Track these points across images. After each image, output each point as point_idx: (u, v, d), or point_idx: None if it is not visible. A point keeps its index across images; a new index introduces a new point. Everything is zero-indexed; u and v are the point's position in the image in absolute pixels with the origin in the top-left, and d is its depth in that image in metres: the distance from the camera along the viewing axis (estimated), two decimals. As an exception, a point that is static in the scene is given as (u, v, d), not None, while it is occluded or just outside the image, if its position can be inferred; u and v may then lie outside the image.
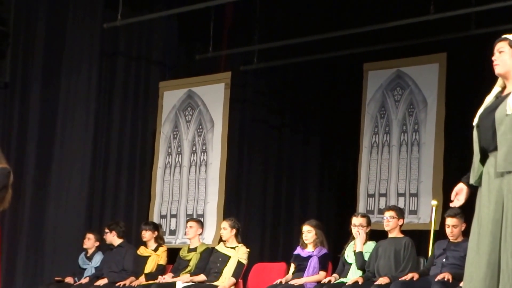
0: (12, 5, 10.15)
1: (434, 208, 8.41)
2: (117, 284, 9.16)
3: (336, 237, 10.10)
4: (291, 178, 11.61)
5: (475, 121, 4.58)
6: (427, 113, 9.66)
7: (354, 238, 8.17)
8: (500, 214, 4.38)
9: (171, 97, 10.78)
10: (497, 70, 4.55)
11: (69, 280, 9.61)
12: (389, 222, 7.96)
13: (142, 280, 9.20)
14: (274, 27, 10.94)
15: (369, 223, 8.22)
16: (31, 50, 10.22)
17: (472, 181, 4.57)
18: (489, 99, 4.61)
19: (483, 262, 4.39)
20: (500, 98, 4.55)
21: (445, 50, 9.60)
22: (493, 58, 4.56)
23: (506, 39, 4.55)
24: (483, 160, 4.54)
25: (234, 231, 8.84)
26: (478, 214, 4.52)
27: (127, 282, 9.17)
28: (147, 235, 9.42)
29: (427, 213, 9.25)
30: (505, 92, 4.55)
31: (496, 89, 4.65)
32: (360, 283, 7.74)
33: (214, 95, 10.42)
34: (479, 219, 4.49)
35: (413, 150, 9.72)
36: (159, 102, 10.82)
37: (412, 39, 9.98)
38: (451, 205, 4.73)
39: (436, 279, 7.20)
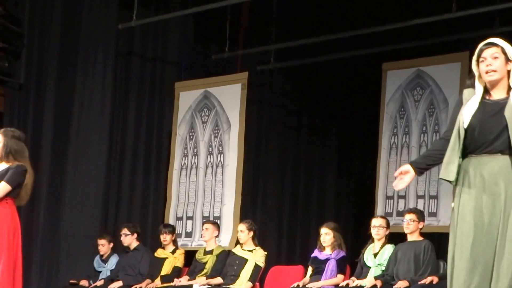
0: (27, 6, 10.12)
1: (454, 210, 8.29)
2: (132, 287, 9.09)
3: (354, 240, 10.01)
4: (309, 180, 11.54)
5: (466, 123, 4.47)
6: (448, 114, 9.52)
7: (373, 241, 8.12)
8: (497, 219, 4.36)
9: (187, 98, 10.72)
10: (493, 77, 4.48)
11: (84, 283, 9.57)
12: (410, 225, 7.91)
13: (158, 282, 9.16)
14: (291, 26, 10.88)
15: (388, 225, 8.15)
16: (46, 51, 10.19)
17: (451, 178, 4.50)
18: (473, 103, 4.52)
19: (479, 267, 4.37)
20: (492, 103, 4.49)
21: (467, 49, 9.43)
22: (487, 64, 4.48)
23: (497, 45, 4.52)
24: (462, 158, 4.50)
25: (251, 233, 8.77)
26: (462, 216, 4.48)
27: (143, 285, 9.13)
28: (168, 238, 9.38)
29: (447, 215, 9.13)
30: (494, 97, 4.50)
31: (476, 95, 4.55)
32: (378, 286, 7.68)
33: (230, 95, 10.35)
34: (469, 222, 4.44)
35: (433, 151, 9.58)
36: (175, 102, 10.77)
37: (433, 37, 9.86)
38: (393, 184, 4.71)
39: (456, 283, 7.07)
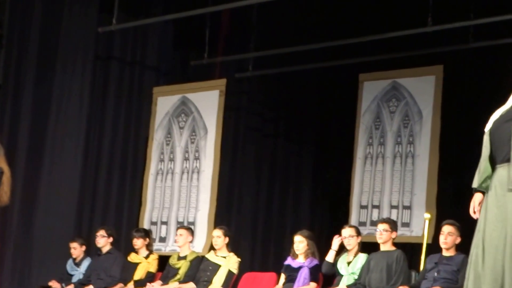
0: (7, 7, 10.08)
1: (427, 221, 8.39)
2: (105, 292, 9.11)
3: (328, 248, 10.02)
4: (284, 188, 11.57)
5: (488, 126, 4.49)
6: (422, 126, 9.63)
7: (347, 250, 8.15)
8: (505, 231, 4.33)
9: (164, 103, 10.74)
10: None
11: (56, 285, 9.53)
12: (382, 235, 7.96)
13: (131, 287, 9.13)
14: (270, 35, 10.92)
15: (359, 233, 8.19)
16: (25, 52, 10.15)
17: (476, 184, 4.52)
18: (506, 107, 4.52)
19: (488, 278, 4.34)
20: None
21: (442, 62, 9.57)
22: None
23: None
24: (491, 167, 4.47)
25: (227, 239, 8.79)
26: (482, 228, 4.46)
27: (115, 289, 9.13)
28: (139, 242, 9.36)
29: (419, 226, 9.22)
30: None
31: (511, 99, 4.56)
32: (350, 295, 7.73)
33: (208, 102, 10.38)
34: (484, 234, 4.42)
35: (407, 162, 9.68)
36: (152, 107, 10.78)
37: (408, 50, 9.97)
38: (475, 217, 4.61)
39: (426, 293, 7.16)
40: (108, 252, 9.47)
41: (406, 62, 10.01)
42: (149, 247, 9.46)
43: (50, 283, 9.54)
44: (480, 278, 4.37)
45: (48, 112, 10.19)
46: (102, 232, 9.49)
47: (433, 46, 9.77)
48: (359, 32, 10.07)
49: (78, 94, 10.24)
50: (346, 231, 8.16)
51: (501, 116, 4.46)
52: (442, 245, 7.51)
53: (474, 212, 4.55)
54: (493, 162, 4.44)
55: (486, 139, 4.48)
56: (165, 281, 9.02)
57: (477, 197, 4.54)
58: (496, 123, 4.46)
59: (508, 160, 4.36)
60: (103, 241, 9.47)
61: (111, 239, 9.49)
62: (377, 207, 9.76)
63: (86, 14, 10.28)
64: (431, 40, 9.70)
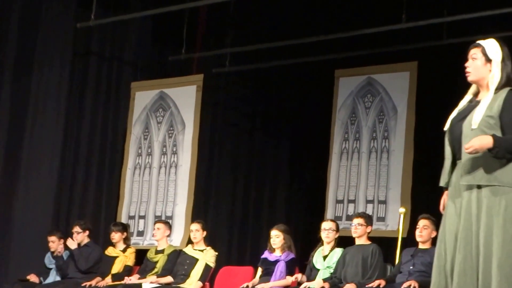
0: (-16, 3, 10.07)
1: (402, 216, 8.47)
2: (83, 284, 9.11)
3: (304, 242, 10.13)
4: (261, 183, 11.62)
5: (447, 125, 4.58)
6: (397, 121, 9.71)
7: (322, 244, 8.21)
8: (469, 226, 4.40)
9: (142, 98, 10.76)
10: (469, 78, 4.53)
11: (34, 279, 9.55)
12: (357, 230, 8.01)
13: (108, 280, 9.15)
14: (247, 31, 10.96)
15: (338, 228, 8.27)
16: (3, 47, 10.11)
17: (442, 183, 4.60)
18: (462, 104, 4.61)
19: (448, 271, 4.45)
20: (471, 104, 4.54)
21: (416, 58, 9.67)
22: (465, 65, 4.53)
23: (479, 45, 4.53)
24: (453, 164, 4.56)
25: (204, 233, 8.84)
26: (443, 223, 4.57)
27: (93, 282, 9.12)
28: (116, 236, 9.39)
29: (395, 220, 9.30)
30: (478, 97, 4.55)
31: (468, 95, 4.64)
32: (326, 289, 7.79)
33: (186, 97, 10.41)
34: (444, 228, 4.53)
35: (382, 157, 9.76)
36: (130, 102, 10.79)
37: (383, 47, 10.04)
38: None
39: (402, 287, 7.23)
40: (85, 245, 9.48)
41: (381, 58, 10.06)
42: (126, 240, 9.49)
43: (28, 277, 9.56)
44: (444, 271, 4.48)
45: (26, 107, 10.17)
46: (76, 229, 9.49)
47: (408, 43, 9.82)
48: (335, 28, 10.13)
49: (57, 89, 10.23)
50: (327, 224, 8.19)
51: (457, 114, 4.56)
52: (418, 239, 7.61)
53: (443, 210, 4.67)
54: (454, 160, 4.55)
55: (446, 138, 4.59)
56: (143, 274, 9.04)
57: (445, 194, 4.64)
58: (452, 121, 4.56)
59: (460, 158, 4.46)
60: (80, 236, 9.49)
61: (87, 232, 9.50)
62: (353, 201, 9.83)
63: (65, 10, 10.25)
64: (406, 37, 9.77)
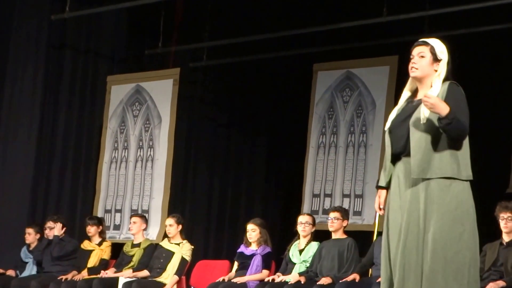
0: (-42, -8, 9.99)
1: (378, 210, 8.47)
2: (59, 278, 9.07)
3: (280, 236, 10.11)
4: (238, 176, 11.60)
5: (387, 125, 4.64)
6: (375, 115, 9.70)
7: (299, 238, 8.21)
8: (414, 220, 4.45)
9: (118, 92, 10.71)
10: (414, 73, 4.58)
11: (10, 273, 9.52)
12: (334, 224, 8.03)
13: (84, 274, 9.13)
14: (224, 24, 10.92)
15: (314, 222, 8.27)
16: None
17: (383, 183, 4.66)
18: (400, 104, 4.68)
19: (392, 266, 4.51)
20: (412, 104, 4.61)
21: (396, 53, 9.63)
22: (412, 61, 4.57)
23: (427, 44, 4.59)
24: (393, 164, 4.62)
25: (180, 227, 8.83)
26: (386, 217, 4.62)
27: (69, 276, 9.09)
28: (92, 230, 9.38)
29: (371, 214, 9.32)
30: (418, 97, 4.60)
31: (406, 93, 4.71)
32: (302, 282, 7.79)
33: (162, 91, 10.38)
34: (388, 222, 4.59)
35: (359, 152, 9.76)
36: (106, 96, 10.75)
37: (363, 41, 10.02)
38: (380, 213, 4.79)
39: (377, 281, 7.23)
40: (61, 239, 9.46)
41: (360, 52, 10.04)
42: (102, 234, 9.49)
43: (8, 273, 9.52)
44: (389, 265, 4.56)
45: (1, 100, 10.13)
46: (49, 224, 9.47)
47: (388, 37, 9.82)
48: (313, 22, 10.10)
49: (31, 83, 10.17)
50: (304, 218, 8.22)
51: (397, 115, 4.62)
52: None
53: (380, 209, 4.72)
54: (394, 159, 4.60)
55: (387, 138, 4.63)
56: (119, 268, 9.04)
57: (382, 193, 4.70)
58: (393, 122, 4.62)
59: (407, 155, 4.51)
60: (53, 232, 9.45)
61: (61, 226, 9.47)
62: (330, 195, 9.83)
63: (39, 1, 10.19)
64: (386, 31, 9.74)
